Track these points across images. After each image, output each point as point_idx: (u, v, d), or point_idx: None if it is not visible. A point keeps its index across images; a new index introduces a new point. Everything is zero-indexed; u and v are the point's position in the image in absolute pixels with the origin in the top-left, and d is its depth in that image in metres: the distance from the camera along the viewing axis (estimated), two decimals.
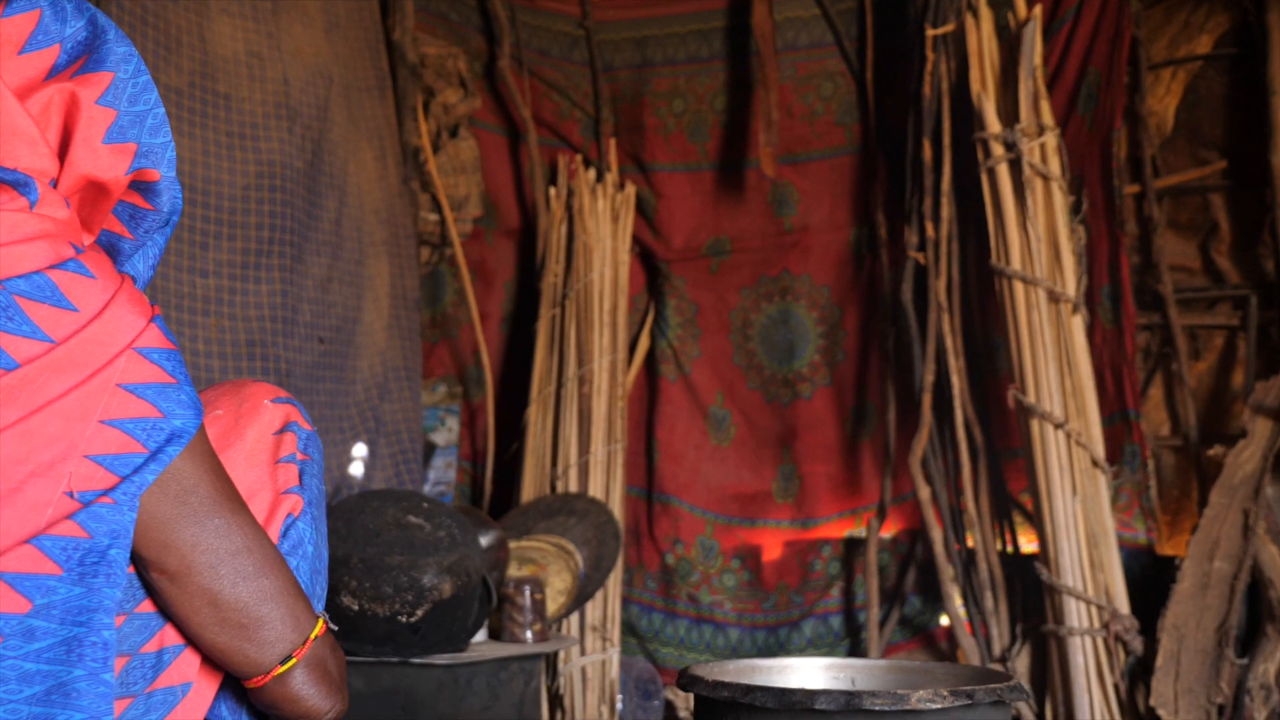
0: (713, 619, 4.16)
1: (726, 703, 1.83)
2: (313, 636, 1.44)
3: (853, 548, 4.08)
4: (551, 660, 3.84)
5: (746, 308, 4.31)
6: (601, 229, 4.20)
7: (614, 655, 3.78)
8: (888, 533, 4.00)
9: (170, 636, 1.41)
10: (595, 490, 3.89)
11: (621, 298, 4.14)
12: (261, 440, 1.56)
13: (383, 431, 3.65)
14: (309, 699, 1.44)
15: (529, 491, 4.02)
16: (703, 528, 4.23)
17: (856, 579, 4.04)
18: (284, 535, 1.53)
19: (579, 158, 4.36)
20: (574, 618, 3.80)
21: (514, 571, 3.60)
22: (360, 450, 3.44)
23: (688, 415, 4.32)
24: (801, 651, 4.00)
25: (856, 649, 3.96)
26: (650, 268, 4.45)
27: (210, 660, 1.42)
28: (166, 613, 1.39)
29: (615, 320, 4.10)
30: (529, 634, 3.34)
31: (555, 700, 3.83)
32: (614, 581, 3.84)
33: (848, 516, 4.13)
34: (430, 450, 4.27)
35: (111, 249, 1.43)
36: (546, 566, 3.64)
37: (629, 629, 4.19)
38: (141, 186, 1.39)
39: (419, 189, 4.22)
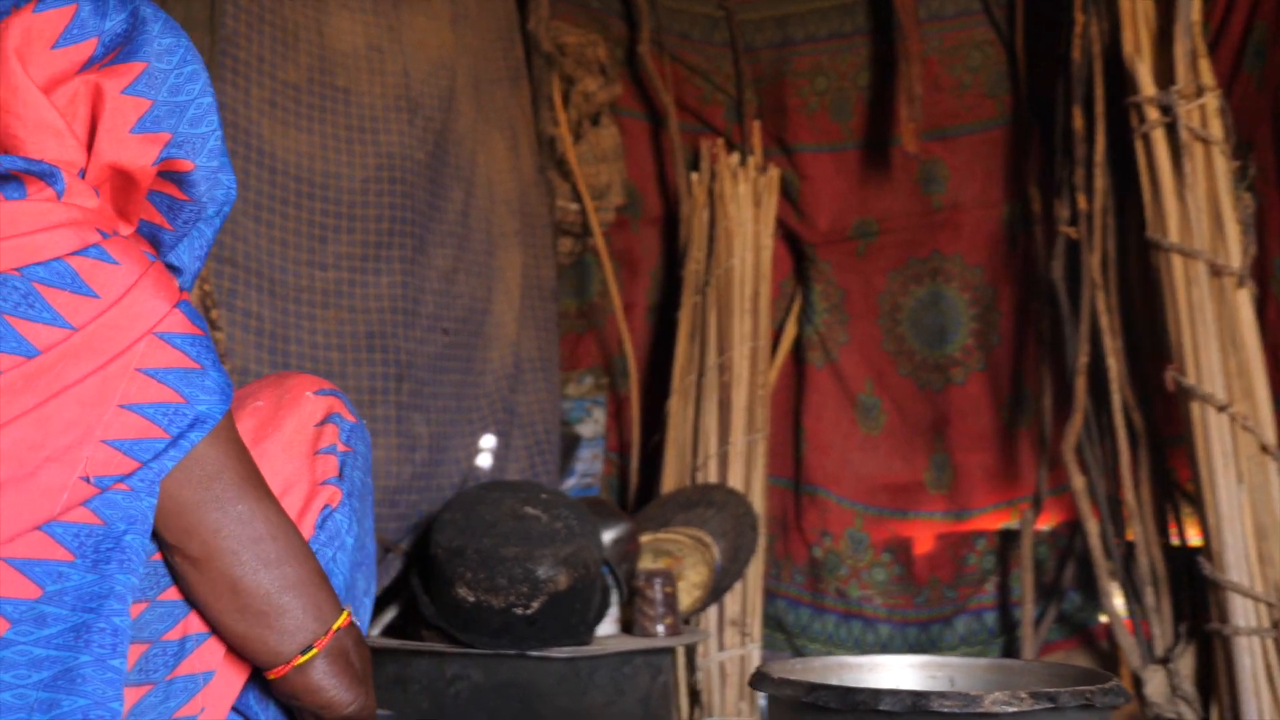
0: (862, 614, 4.01)
1: (790, 701, 1.72)
2: (335, 627, 1.39)
3: (1008, 541, 3.88)
4: (692, 655, 3.76)
5: (895, 291, 4.15)
6: (743, 213, 4.09)
7: (754, 650, 3.68)
8: (1045, 525, 3.80)
9: (194, 625, 1.38)
10: (735, 481, 3.79)
11: (764, 284, 4.03)
12: (301, 431, 1.53)
13: (516, 423, 3.62)
14: (330, 690, 1.40)
15: (670, 483, 3.94)
16: (852, 520, 4.08)
17: (1012, 573, 3.84)
18: (320, 527, 1.49)
19: (721, 141, 4.26)
20: (712, 612, 3.71)
21: (649, 564, 3.53)
22: (488, 442, 3.41)
23: (836, 403, 4.17)
24: (954, 649, 3.82)
25: (1012, 647, 3.76)
26: (796, 252, 4.33)
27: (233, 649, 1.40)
28: (190, 599, 1.37)
29: (757, 307, 3.99)
30: (660, 628, 3.26)
31: (695, 696, 3.74)
32: (754, 574, 3.74)
33: (1004, 508, 3.93)
34: (576, 442, 4.23)
35: (153, 239, 1.42)
36: (683, 559, 3.56)
37: (776, 624, 4.07)
38: (175, 177, 1.39)
39: (558, 178, 4.19)
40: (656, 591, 3.28)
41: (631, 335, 4.32)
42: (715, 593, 3.52)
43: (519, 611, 2.87)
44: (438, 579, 2.94)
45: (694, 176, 4.26)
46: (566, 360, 4.39)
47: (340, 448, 1.54)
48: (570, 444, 4.18)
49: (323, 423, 1.54)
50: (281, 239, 3.00)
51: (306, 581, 1.38)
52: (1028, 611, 3.65)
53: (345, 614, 1.40)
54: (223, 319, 2.85)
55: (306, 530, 1.48)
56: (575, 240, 4.35)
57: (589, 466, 4.28)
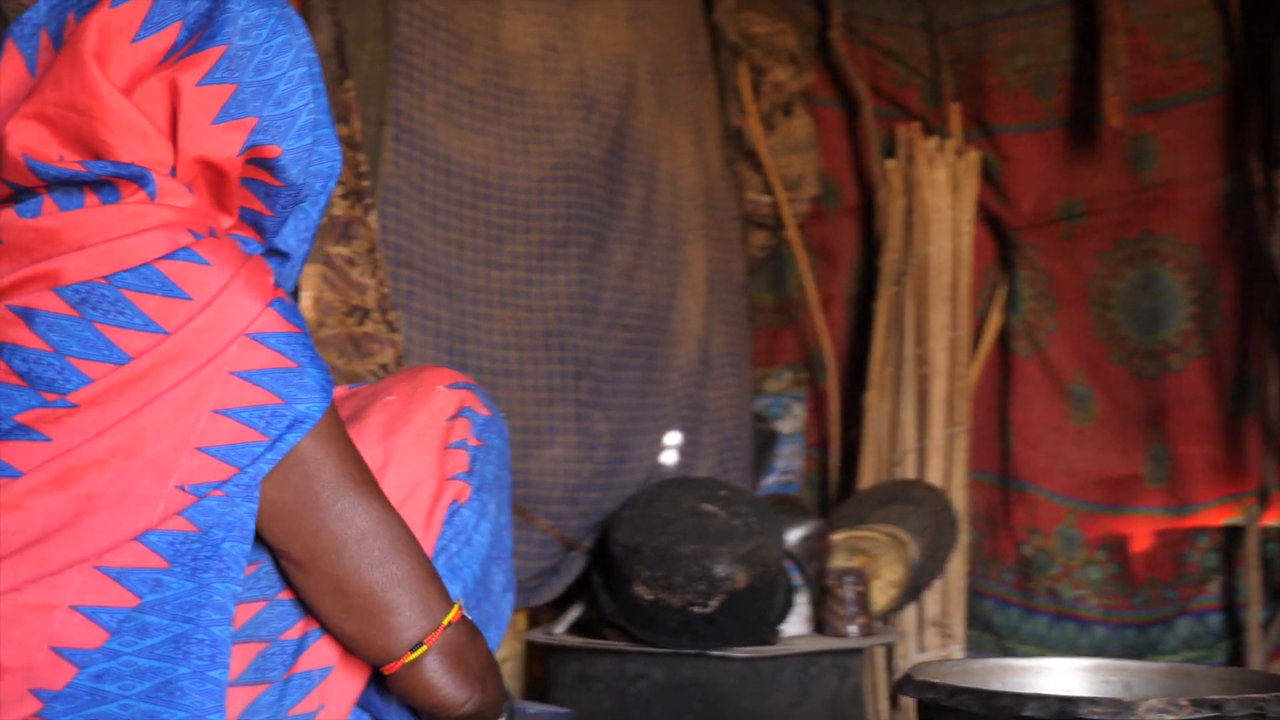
0: (1075, 615, 3.80)
1: (933, 705, 1.62)
2: (445, 623, 1.37)
3: (1233, 537, 3.62)
4: (892, 656, 3.64)
5: (1105, 275, 3.92)
6: (940, 199, 3.95)
7: (956, 652, 3.53)
8: (1273, 520, 3.52)
9: (314, 622, 1.38)
10: (934, 477, 3.65)
11: (963, 271, 3.87)
12: (432, 426, 1.50)
13: (705, 419, 3.58)
14: (443, 688, 1.37)
15: (867, 478, 3.83)
16: (1063, 516, 3.88)
17: (1238, 573, 3.58)
18: (447, 522, 1.47)
19: (916, 125, 4.12)
20: (911, 612, 3.58)
21: (843, 562, 3.43)
22: (673, 439, 3.38)
23: (1044, 395, 3.98)
24: (1175, 654, 3.59)
25: (1238, 652, 3.50)
26: (999, 237, 4.14)
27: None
28: (301, 599, 1.37)
29: (956, 295, 3.84)
30: (852, 628, 3.17)
31: (896, 699, 3.62)
32: (956, 573, 3.59)
33: (1228, 502, 3.67)
34: (774, 438, 4.16)
35: (256, 225, 1.40)
36: (878, 557, 3.44)
37: (984, 625, 3.90)
38: (264, 164, 1.36)
39: (749, 171, 4.12)
40: (847, 590, 3.18)
41: (830, 328, 4.22)
42: (912, 592, 3.40)
43: (696, 610, 2.83)
44: (616, 577, 2.92)
45: (890, 163, 4.13)
46: (764, 355, 4.32)
47: (471, 442, 1.50)
48: (768, 440, 4.11)
49: (454, 417, 1.50)
50: (459, 240, 3.03)
51: (413, 577, 1.35)
52: (1254, 614, 3.40)
53: (456, 609, 1.37)
54: (400, 321, 2.89)
55: (434, 526, 1.46)
56: (769, 233, 4.28)
57: (789, 463, 4.20)
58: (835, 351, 4.19)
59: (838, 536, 3.54)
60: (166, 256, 1.27)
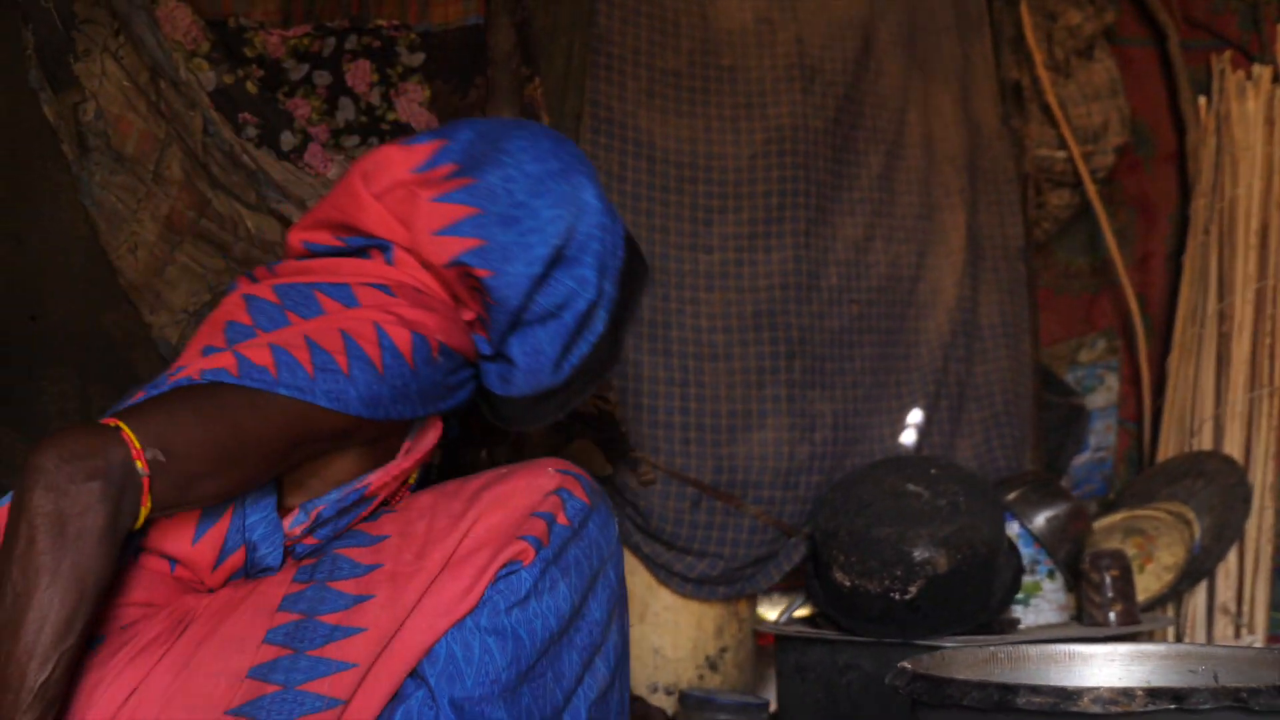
0: None
1: (893, 689, 1.47)
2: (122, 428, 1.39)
3: None
4: None
5: None
6: (1250, 135, 3.51)
7: (1254, 642, 3.12)
8: None
9: None
10: (1232, 447, 3.24)
11: (1274, 214, 3.41)
12: (525, 493, 1.60)
13: (969, 395, 3.36)
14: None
15: (1167, 451, 3.47)
16: None
17: None
18: (501, 576, 1.52)
19: (1229, 55, 3.68)
20: (1200, 598, 3.19)
21: (1118, 544, 3.13)
22: (915, 417, 3.19)
23: None
24: None
25: None
26: None
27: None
28: None
29: (1265, 242, 3.39)
30: (1111, 615, 2.89)
31: None
32: (1260, 555, 3.17)
33: None
34: (1081, 413, 3.83)
35: (484, 326, 1.69)
36: (1156, 538, 3.12)
37: None
38: (476, 280, 1.63)
39: (1043, 124, 3.83)
40: (1103, 575, 2.90)
41: (1149, 289, 3.86)
42: (1190, 576, 3.05)
43: (896, 597, 2.67)
44: (818, 563, 2.81)
45: (1202, 101, 3.72)
46: (1079, 324, 4.01)
47: (560, 519, 1.55)
48: (1072, 415, 3.79)
49: (551, 494, 1.57)
50: (662, 226, 3.01)
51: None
52: None
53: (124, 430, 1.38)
54: None
55: (486, 575, 1.52)
56: (1072, 191, 3.96)
57: (1101, 439, 3.87)
58: (1156, 314, 3.82)
59: (1117, 516, 3.24)
60: (365, 284, 1.59)
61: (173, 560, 1.51)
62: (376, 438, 1.56)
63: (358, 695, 1.47)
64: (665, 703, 2.88)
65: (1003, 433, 3.35)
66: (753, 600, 3.08)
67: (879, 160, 3.31)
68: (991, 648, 1.65)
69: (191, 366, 1.46)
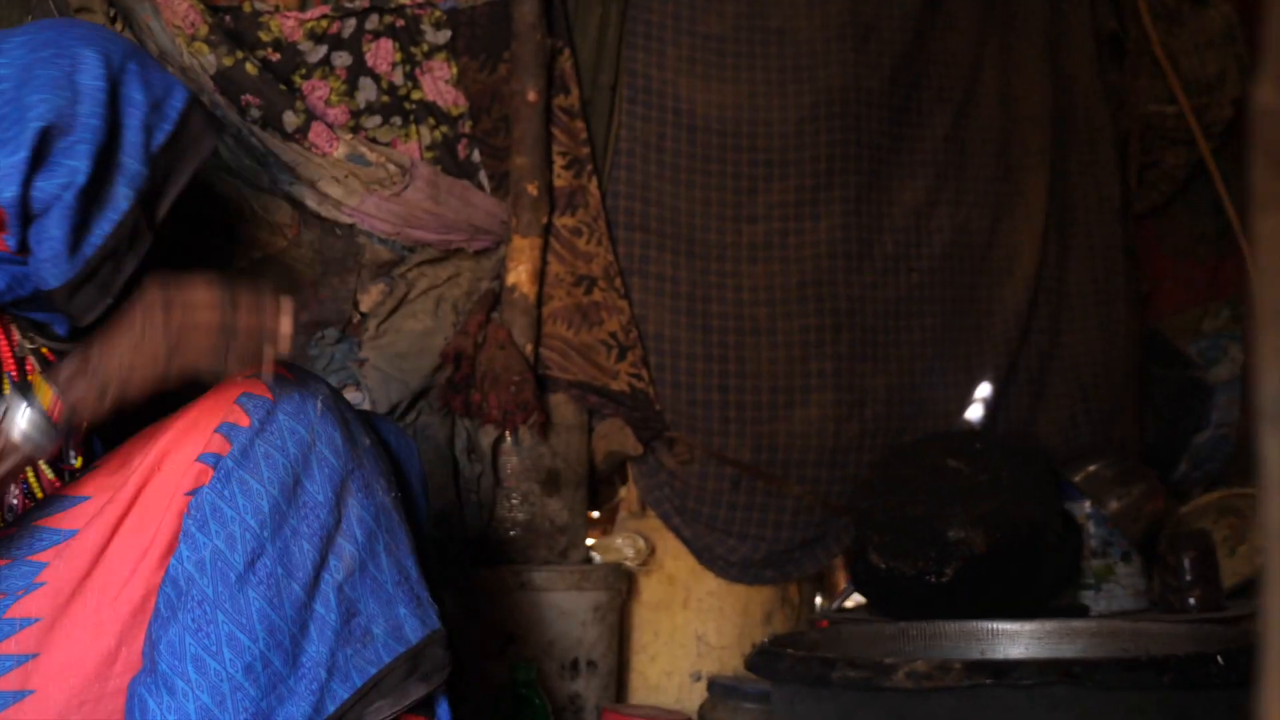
0: None
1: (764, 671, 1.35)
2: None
3: None
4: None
5: None
6: None
7: None
8: None
9: None
10: None
11: None
12: (212, 414, 1.56)
13: (1053, 367, 3.15)
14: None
15: None
16: None
17: None
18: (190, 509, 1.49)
19: None
20: None
21: (1207, 524, 2.89)
22: (983, 390, 2.99)
23: None
24: None
25: None
26: None
27: None
28: None
29: None
30: (1190, 600, 2.67)
31: None
32: None
33: None
34: (1200, 386, 3.56)
35: None
36: (1250, 519, 2.86)
37: None
38: None
39: (1151, 78, 3.57)
40: (1180, 557, 2.67)
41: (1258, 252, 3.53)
42: None
43: (931, 580, 2.51)
44: (857, 544, 2.66)
45: None
46: (1203, 291, 3.71)
47: (240, 423, 1.54)
48: (1189, 388, 3.52)
49: (234, 404, 1.54)
50: (703, 197, 2.91)
51: None
52: None
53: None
54: (634, 285, 2.83)
55: (168, 519, 1.50)
56: (1189, 148, 3.67)
57: (1225, 414, 3.58)
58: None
59: (1212, 496, 2.99)
60: None
61: None
62: None
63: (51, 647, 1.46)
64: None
65: (1089, 406, 3.13)
66: (811, 585, 2.95)
67: (945, 121, 3.13)
68: (902, 624, 1.51)
69: None
